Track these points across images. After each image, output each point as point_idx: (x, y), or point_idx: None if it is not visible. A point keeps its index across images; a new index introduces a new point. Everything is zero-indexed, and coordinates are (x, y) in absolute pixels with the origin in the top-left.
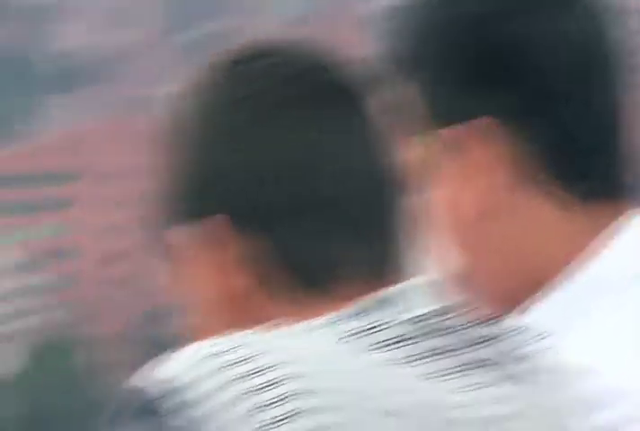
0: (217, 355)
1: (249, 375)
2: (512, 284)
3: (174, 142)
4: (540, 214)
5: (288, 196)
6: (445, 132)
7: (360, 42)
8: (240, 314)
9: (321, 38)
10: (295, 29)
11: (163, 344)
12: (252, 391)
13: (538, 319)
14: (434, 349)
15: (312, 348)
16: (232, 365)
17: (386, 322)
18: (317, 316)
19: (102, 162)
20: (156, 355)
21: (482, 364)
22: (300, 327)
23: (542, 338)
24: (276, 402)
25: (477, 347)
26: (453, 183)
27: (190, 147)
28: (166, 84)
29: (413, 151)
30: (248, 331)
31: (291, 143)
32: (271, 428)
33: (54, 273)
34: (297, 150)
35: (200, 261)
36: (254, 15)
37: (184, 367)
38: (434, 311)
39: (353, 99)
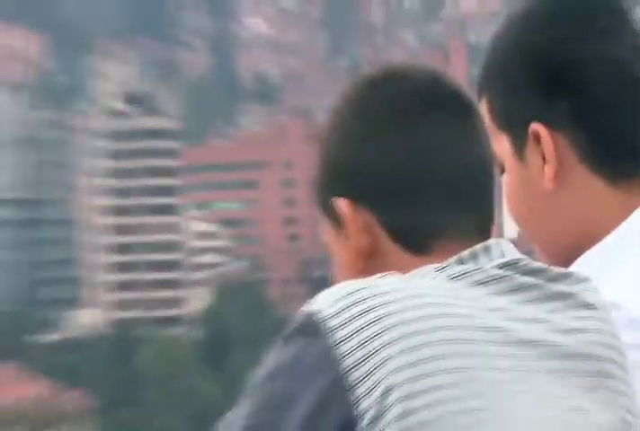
0: (354, 291)
1: (380, 306)
2: (569, 242)
3: (327, 141)
4: (593, 189)
5: (404, 180)
6: (516, 131)
7: (466, 66)
8: (367, 267)
9: (438, 62)
10: (421, 55)
11: (321, 284)
12: (381, 318)
13: (583, 266)
14: (522, 285)
15: (429, 285)
16: (366, 298)
17: (483, 267)
18: None
19: (282, 153)
20: (316, 291)
21: (559, 295)
22: (415, 273)
23: (588, 280)
24: (405, 323)
25: (553, 283)
26: (528, 167)
27: (337, 145)
28: (326, 98)
29: (496, 145)
30: (376, 276)
31: (417, 140)
32: (396, 342)
33: (240, 235)
34: (420, 146)
35: (340, 227)
36: (391, 46)
37: (332, 300)
38: (517, 258)
39: (467, 106)
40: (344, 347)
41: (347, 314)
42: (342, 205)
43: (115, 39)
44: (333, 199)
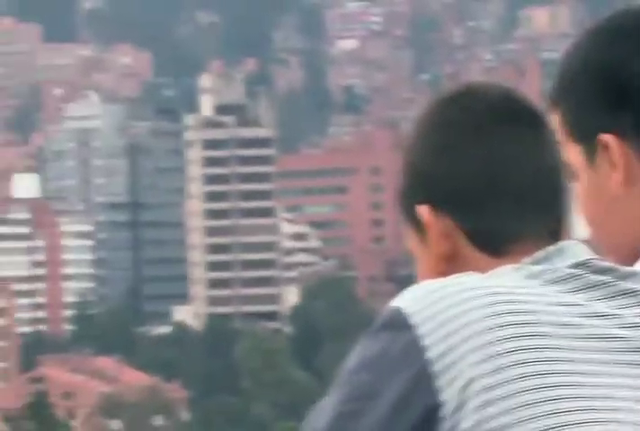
0: (438, 288)
1: (462, 302)
2: (636, 244)
3: (409, 150)
4: None
5: (482, 187)
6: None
7: (539, 82)
8: (447, 269)
9: (513, 78)
10: (497, 72)
11: (405, 282)
12: (463, 313)
13: None
14: (593, 283)
15: (507, 284)
16: (449, 295)
17: (557, 266)
18: None
19: (369, 160)
20: (401, 289)
21: (628, 292)
22: (493, 273)
23: None
24: (486, 318)
25: (622, 281)
26: (598, 174)
27: (418, 154)
28: (410, 109)
29: (568, 155)
30: (457, 275)
31: (492, 151)
32: (486, 333)
33: (330, 236)
34: (495, 156)
35: (422, 232)
36: (470, 62)
37: (417, 296)
38: (588, 258)
39: (538, 119)
40: (428, 341)
41: (431, 309)
42: (424, 211)
43: (217, 57)
44: (416, 206)
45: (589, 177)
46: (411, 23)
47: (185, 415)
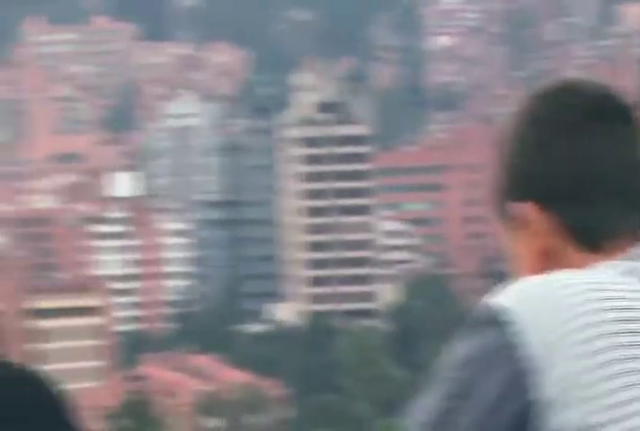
0: (536, 286)
1: (559, 299)
2: None
3: (505, 147)
4: None
5: (580, 184)
6: None
7: (634, 78)
8: (547, 264)
9: (607, 75)
10: (591, 68)
11: (502, 278)
12: (560, 311)
13: None
14: None
15: (604, 280)
16: (547, 293)
17: None
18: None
19: (465, 157)
20: (498, 286)
21: None
22: (589, 269)
23: None
24: (585, 315)
25: None
26: None
27: (515, 152)
28: (506, 106)
29: None
30: (556, 272)
31: (588, 147)
32: (583, 330)
33: (427, 233)
34: (592, 152)
35: (521, 229)
36: (565, 59)
37: (515, 294)
38: None
39: (632, 116)
40: (527, 337)
41: (530, 306)
42: (528, 208)
43: (314, 55)
44: (514, 203)
45: None
46: (506, 20)
47: (285, 413)
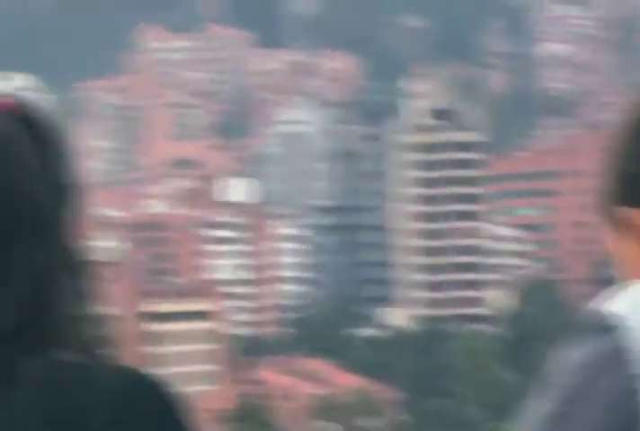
0: None
1: None
2: None
3: (616, 153)
4: None
5: None
6: None
7: None
8: None
9: None
10: None
11: (612, 284)
12: None
13: None
14: None
15: None
16: None
17: None
18: None
19: (576, 163)
20: (607, 291)
21: None
22: None
23: None
24: None
25: None
26: None
27: (626, 158)
28: (617, 113)
29: None
30: None
31: None
32: None
33: (538, 239)
34: None
35: (627, 233)
36: None
37: (628, 301)
38: None
39: None
40: (636, 344)
41: (638, 312)
42: (633, 213)
43: (426, 61)
44: (621, 207)
45: None
46: (617, 27)
47: (397, 417)
